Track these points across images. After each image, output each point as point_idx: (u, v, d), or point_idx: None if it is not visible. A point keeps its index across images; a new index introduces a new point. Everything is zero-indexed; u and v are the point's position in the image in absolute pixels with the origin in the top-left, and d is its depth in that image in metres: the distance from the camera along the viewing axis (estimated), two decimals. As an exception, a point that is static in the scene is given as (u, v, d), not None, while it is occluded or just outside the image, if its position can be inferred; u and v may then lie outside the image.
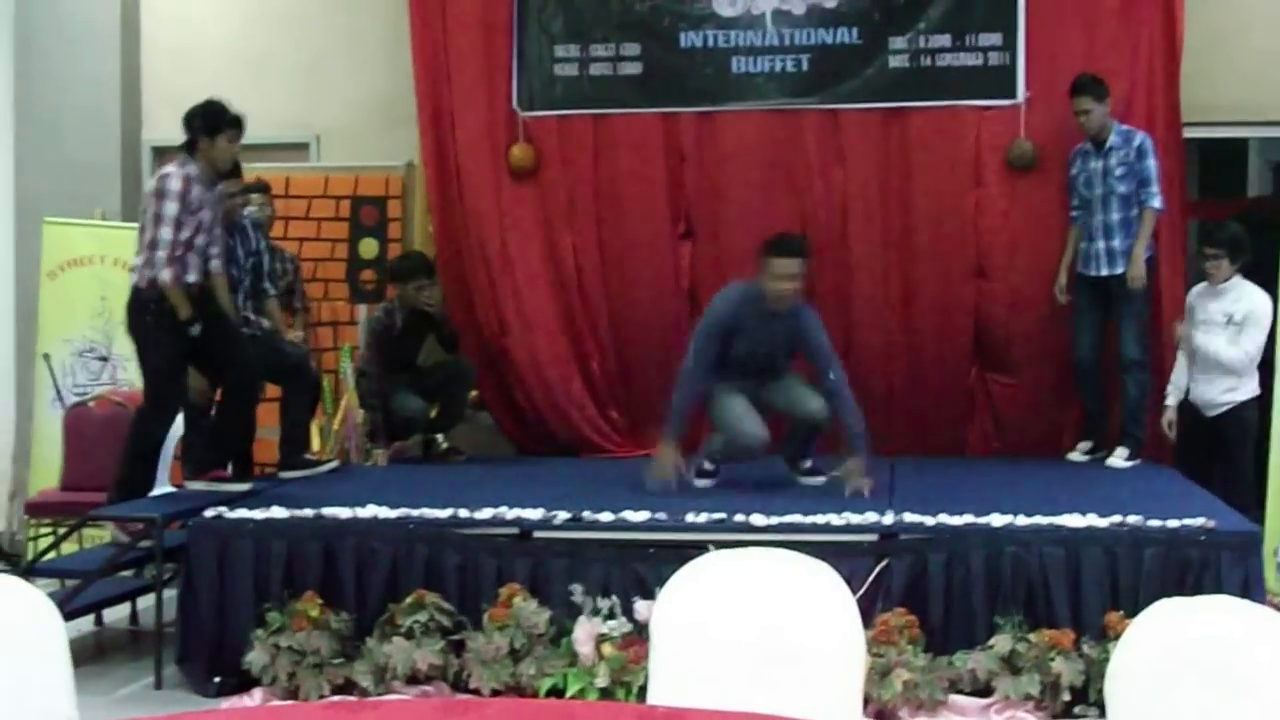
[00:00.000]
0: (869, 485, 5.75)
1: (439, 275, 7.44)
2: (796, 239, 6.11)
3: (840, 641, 2.87)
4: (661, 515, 5.38)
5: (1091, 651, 4.81)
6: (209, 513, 5.54)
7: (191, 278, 5.88)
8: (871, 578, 5.01)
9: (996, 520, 5.18)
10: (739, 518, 5.30)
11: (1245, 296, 6.47)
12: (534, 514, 5.41)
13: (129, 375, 6.59)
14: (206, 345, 5.94)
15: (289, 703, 5.00)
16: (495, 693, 4.98)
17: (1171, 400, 6.71)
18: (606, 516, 5.37)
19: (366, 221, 8.13)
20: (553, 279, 7.66)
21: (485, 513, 5.43)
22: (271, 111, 8.17)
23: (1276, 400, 6.32)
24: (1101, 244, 6.74)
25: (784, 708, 2.63)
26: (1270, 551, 5.75)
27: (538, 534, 5.34)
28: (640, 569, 5.12)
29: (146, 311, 5.85)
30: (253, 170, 7.07)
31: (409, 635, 5.10)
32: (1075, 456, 6.91)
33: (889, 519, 5.24)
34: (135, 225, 6.12)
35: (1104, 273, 6.74)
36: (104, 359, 7.79)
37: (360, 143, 8.23)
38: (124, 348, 6.42)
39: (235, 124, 5.99)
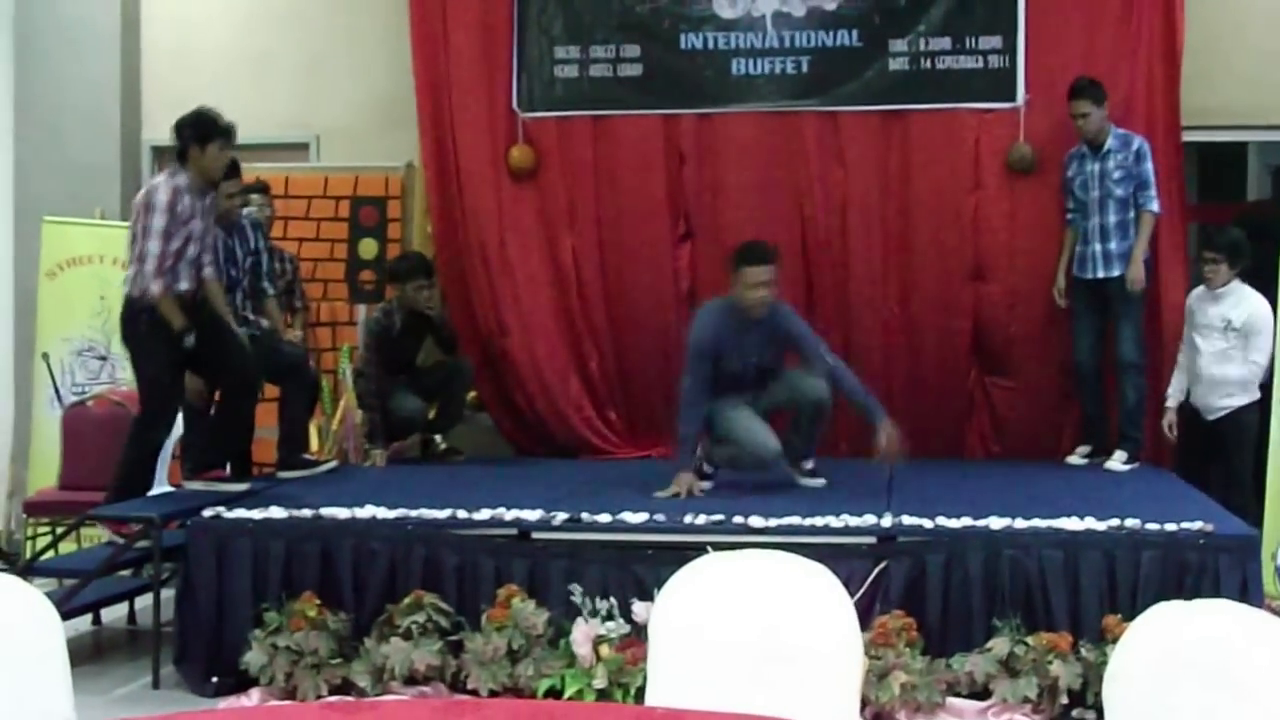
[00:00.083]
0: (904, 448, 5.90)
1: (438, 276, 7.45)
2: (763, 246, 6.12)
3: (838, 643, 2.86)
4: (660, 517, 5.38)
5: (1089, 654, 4.81)
6: (207, 512, 5.54)
7: (183, 286, 5.87)
8: (870, 580, 5.00)
9: (995, 523, 5.18)
10: (737, 519, 5.29)
11: (1244, 301, 6.49)
12: (532, 515, 5.41)
13: (127, 375, 6.59)
14: (202, 350, 5.93)
15: (287, 703, 5.00)
16: (493, 693, 4.97)
17: (1172, 403, 6.72)
18: (605, 518, 5.37)
19: (366, 222, 8.13)
20: (552, 280, 7.66)
21: (484, 513, 5.43)
22: (271, 112, 8.20)
23: (1276, 404, 6.32)
24: (1098, 246, 6.74)
25: (782, 710, 2.63)
26: (1269, 555, 5.75)
27: (536, 535, 5.34)
28: (639, 570, 5.11)
29: (140, 321, 5.84)
30: (252, 170, 7.07)
31: (407, 636, 5.09)
32: (1074, 460, 6.92)
33: (887, 521, 5.24)
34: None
35: (1100, 275, 6.75)
36: (103, 358, 7.78)
37: (360, 143, 8.24)
38: (122, 348, 6.42)
39: (226, 133, 5.96)
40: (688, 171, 7.52)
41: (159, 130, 8.21)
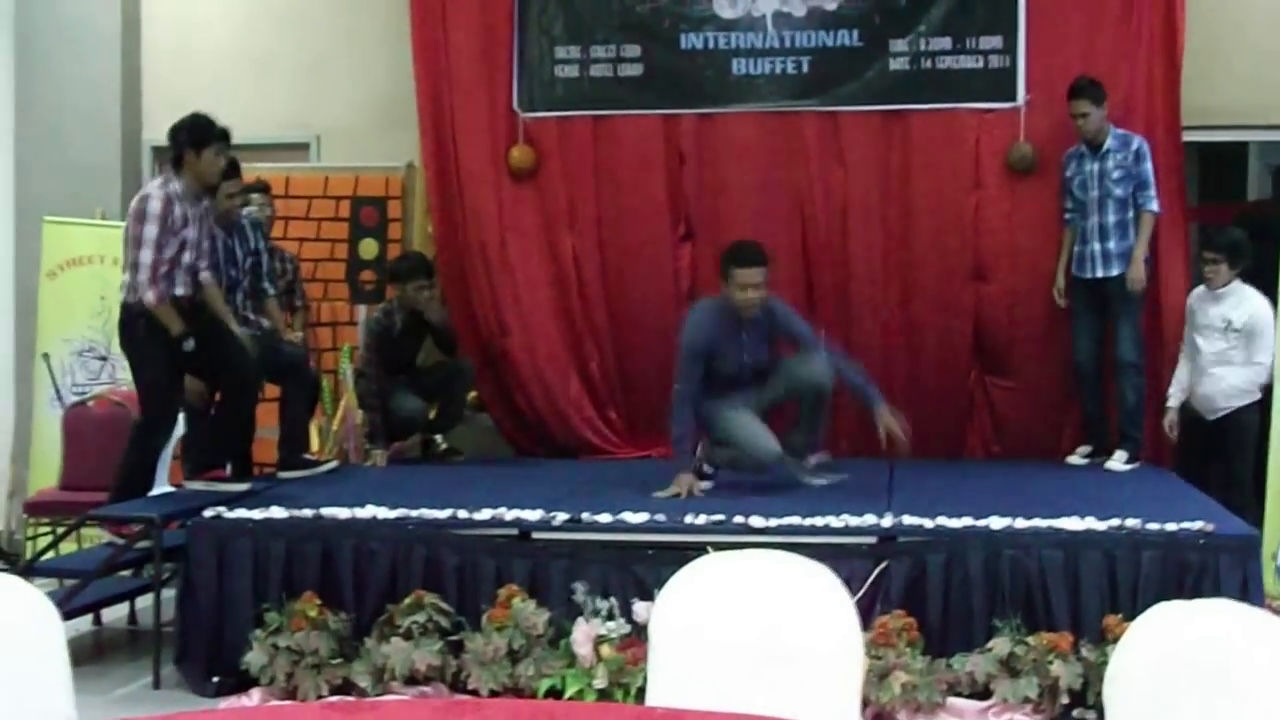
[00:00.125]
0: (904, 428, 6.01)
1: (438, 276, 7.45)
2: (754, 247, 6.10)
3: (839, 643, 2.86)
4: (660, 517, 5.39)
5: (1090, 654, 4.81)
6: (208, 513, 5.54)
7: (180, 291, 5.86)
8: (870, 580, 5.00)
9: (995, 523, 5.18)
10: (738, 519, 5.29)
11: (1245, 302, 6.48)
12: (533, 515, 5.41)
13: (128, 375, 6.59)
14: (201, 353, 5.92)
15: (287, 703, 5.00)
16: (494, 693, 4.97)
17: (1173, 403, 6.72)
18: (605, 518, 5.37)
19: (366, 222, 8.13)
20: (552, 280, 7.66)
21: (484, 513, 5.43)
22: (272, 112, 8.21)
23: (1276, 403, 6.32)
24: (1097, 246, 6.75)
25: (782, 710, 2.63)
26: (1269, 555, 5.74)
27: (536, 535, 5.34)
28: (639, 570, 5.11)
29: (137, 326, 5.83)
30: (253, 170, 7.07)
31: (407, 636, 5.10)
32: (1075, 460, 6.91)
33: (888, 521, 5.24)
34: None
35: (1100, 274, 6.75)
36: (103, 358, 7.78)
37: (360, 143, 8.24)
38: (121, 354, 6.42)
39: (223, 137, 5.96)
40: (688, 171, 7.52)
41: (159, 130, 8.15)
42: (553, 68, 7.61)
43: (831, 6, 7.35)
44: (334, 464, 6.88)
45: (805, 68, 7.38)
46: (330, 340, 8.00)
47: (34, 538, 7.10)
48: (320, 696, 5.08)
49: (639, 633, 4.82)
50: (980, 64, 7.23)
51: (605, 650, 4.99)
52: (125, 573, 6.16)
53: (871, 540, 5.17)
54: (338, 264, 8.11)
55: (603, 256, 7.62)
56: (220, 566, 5.38)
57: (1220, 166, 8.85)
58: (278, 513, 5.51)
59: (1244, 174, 9.08)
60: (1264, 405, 6.41)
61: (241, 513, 5.53)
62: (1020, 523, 5.16)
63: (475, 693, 5.02)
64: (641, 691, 4.03)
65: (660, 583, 3.09)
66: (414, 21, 7.64)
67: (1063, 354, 7.05)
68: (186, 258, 5.87)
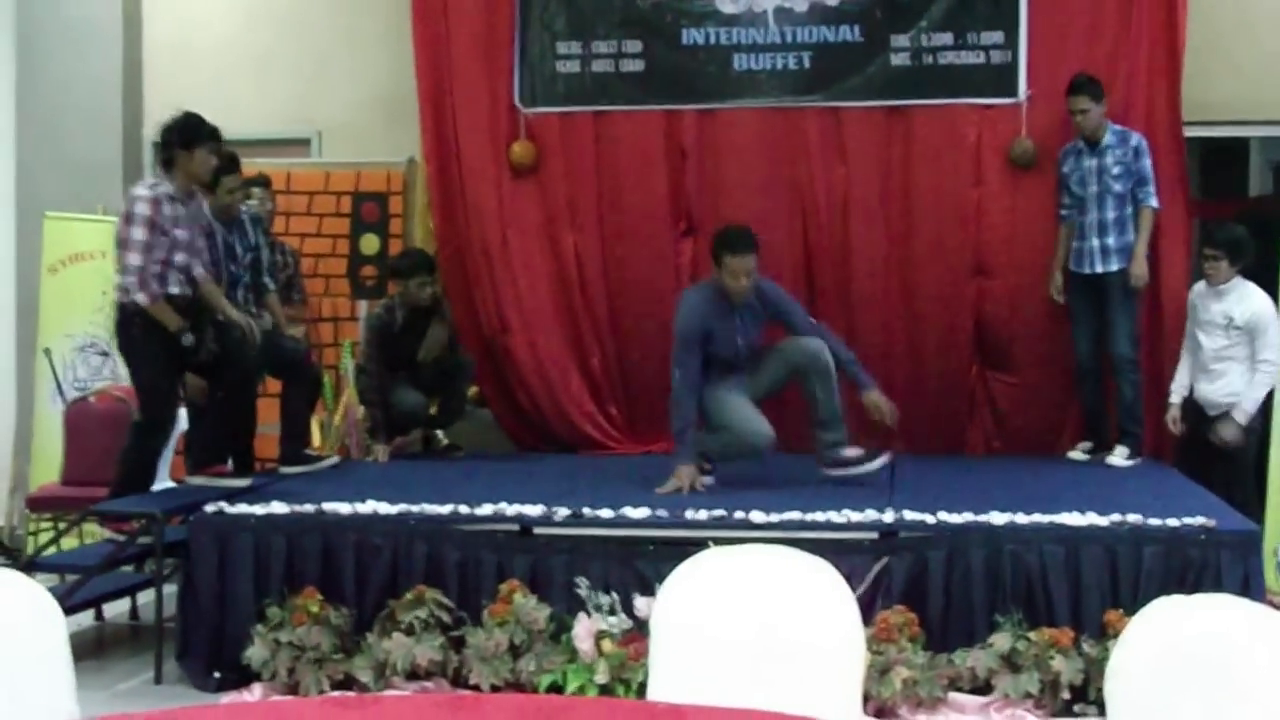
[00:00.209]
0: (891, 409, 6.09)
1: (440, 272, 7.44)
2: (746, 233, 6.06)
3: (840, 639, 2.87)
4: (662, 512, 5.38)
5: (1091, 650, 4.82)
6: (209, 508, 5.54)
7: (174, 290, 5.85)
8: (871, 575, 5.01)
9: (997, 518, 5.18)
10: (739, 514, 5.30)
11: (1246, 298, 6.47)
12: (534, 510, 5.41)
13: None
14: (201, 350, 5.92)
15: (289, 698, 5.01)
16: (495, 689, 4.98)
17: (1175, 398, 6.70)
18: (607, 513, 5.37)
19: (368, 218, 8.13)
20: (553, 276, 7.66)
21: (485, 509, 5.43)
22: (273, 108, 8.21)
23: (1277, 400, 6.32)
24: (1095, 241, 6.74)
25: (784, 705, 2.63)
26: (1270, 550, 5.76)
27: (538, 530, 5.34)
28: (640, 565, 5.12)
29: (133, 325, 5.80)
30: (254, 166, 7.06)
31: (409, 631, 5.10)
32: (1076, 455, 6.91)
33: (889, 517, 5.24)
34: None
35: (1098, 270, 6.75)
36: (105, 354, 7.79)
37: (362, 139, 8.23)
38: (119, 355, 6.42)
39: (213, 136, 5.93)
40: (689, 167, 7.51)
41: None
42: (554, 63, 7.60)
43: (833, 2, 7.34)
44: (335, 459, 6.88)
45: (807, 63, 7.38)
46: (332, 336, 8.00)
47: (36, 533, 7.12)
48: (322, 692, 5.08)
49: (640, 628, 4.82)
50: (982, 59, 7.22)
51: (607, 645, 4.99)
52: (127, 568, 6.17)
53: (873, 535, 5.17)
54: (339, 259, 8.10)
55: (604, 252, 7.62)
56: (222, 562, 5.38)
57: (1221, 163, 8.85)
58: (279, 508, 5.51)
59: (1245, 170, 9.08)
60: (1265, 402, 6.40)
61: (243, 508, 5.53)
62: (1021, 518, 5.17)
63: (476, 688, 5.02)
64: (643, 687, 4.03)
65: (661, 578, 3.09)
66: (415, 16, 7.64)
67: (1064, 349, 7.04)
68: (178, 258, 5.84)
